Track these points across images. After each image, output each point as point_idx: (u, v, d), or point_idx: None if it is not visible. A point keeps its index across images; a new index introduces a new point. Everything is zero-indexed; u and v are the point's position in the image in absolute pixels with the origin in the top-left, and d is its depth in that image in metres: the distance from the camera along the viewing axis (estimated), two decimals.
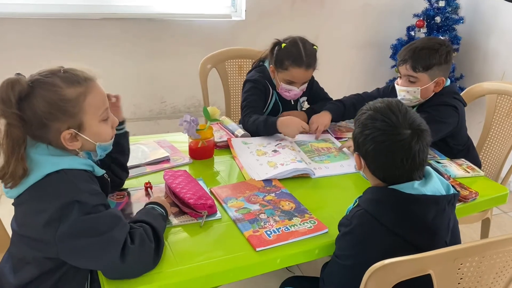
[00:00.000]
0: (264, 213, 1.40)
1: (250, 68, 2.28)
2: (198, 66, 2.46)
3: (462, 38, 3.43)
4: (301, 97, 2.21)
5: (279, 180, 1.60)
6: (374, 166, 1.23)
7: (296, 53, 1.97)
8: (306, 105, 2.29)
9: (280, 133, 1.91)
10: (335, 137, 2.02)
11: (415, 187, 1.16)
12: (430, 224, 1.15)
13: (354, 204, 1.29)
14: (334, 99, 2.26)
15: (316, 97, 2.27)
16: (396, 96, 2.01)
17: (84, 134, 1.16)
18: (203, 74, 2.46)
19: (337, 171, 1.72)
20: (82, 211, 1.07)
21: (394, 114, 1.18)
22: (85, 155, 1.20)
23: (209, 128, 1.75)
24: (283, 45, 1.99)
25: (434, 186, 1.19)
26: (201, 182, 1.56)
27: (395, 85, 1.99)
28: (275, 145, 1.84)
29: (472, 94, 2.26)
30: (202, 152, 1.74)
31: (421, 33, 3.49)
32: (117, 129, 1.35)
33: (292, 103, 2.19)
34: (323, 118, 2.04)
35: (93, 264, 1.13)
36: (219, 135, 1.91)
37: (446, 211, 1.18)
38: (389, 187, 1.19)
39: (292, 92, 2.05)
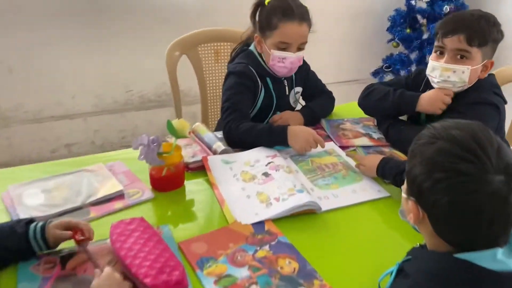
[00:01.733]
0: (256, 283, 0.98)
1: (229, 54, 1.85)
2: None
3: (469, 7, 3.02)
4: (295, 87, 1.78)
5: (273, 221, 1.18)
6: (444, 226, 0.82)
7: (285, 5, 1.59)
8: (301, 101, 1.86)
9: (289, 146, 1.51)
10: (340, 146, 1.59)
11: (498, 259, 0.76)
12: None
13: (396, 268, 0.89)
14: (323, 77, 1.87)
15: (312, 89, 1.86)
16: (422, 82, 1.59)
17: None
18: (171, 64, 2.00)
19: (349, 201, 1.29)
20: None
21: (484, 151, 0.75)
22: None
23: (177, 148, 1.30)
24: (267, 1, 1.61)
25: None
26: (166, 232, 1.13)
27: (432, 62, 1.51)
28: (266, 164, 1.40)
29: (500, 80, 1.83)
30: (167, 183, 1.29)
31: (422, 2, 3.14)
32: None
33: (287, 93, 1.77)
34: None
35: None
36: (191, 152, 1.46)
37: None
38: (457, 256, 0.78)
39: (288, 60, 1.61)
